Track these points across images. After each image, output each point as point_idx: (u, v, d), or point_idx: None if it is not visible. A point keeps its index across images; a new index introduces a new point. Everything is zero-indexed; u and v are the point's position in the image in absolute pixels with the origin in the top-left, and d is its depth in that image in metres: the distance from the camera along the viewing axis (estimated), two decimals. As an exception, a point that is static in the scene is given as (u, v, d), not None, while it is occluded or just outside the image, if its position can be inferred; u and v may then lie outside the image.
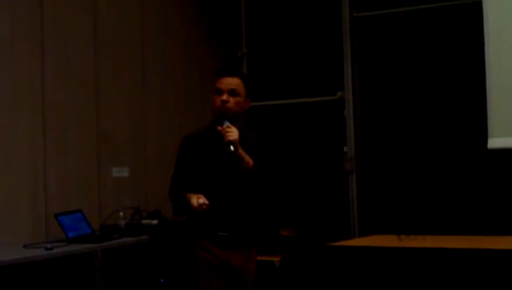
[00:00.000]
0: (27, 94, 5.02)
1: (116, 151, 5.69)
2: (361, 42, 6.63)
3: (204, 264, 3.69)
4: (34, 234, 4.95)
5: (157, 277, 5.26)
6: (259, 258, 3.95)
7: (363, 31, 6.62)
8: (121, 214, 5.35)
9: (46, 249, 4.47)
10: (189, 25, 6.51)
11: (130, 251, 5.07)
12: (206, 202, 3.55)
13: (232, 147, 3.55)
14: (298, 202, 6.84)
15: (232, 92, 3.70)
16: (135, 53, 5.94)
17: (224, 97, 3.68)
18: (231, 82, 3.72)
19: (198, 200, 3.55)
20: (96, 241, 4.85)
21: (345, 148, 6.63)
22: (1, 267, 4.12)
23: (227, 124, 3.62)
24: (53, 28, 5.20)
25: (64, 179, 5.23)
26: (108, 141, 5.62)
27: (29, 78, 5.04)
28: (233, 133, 3.57)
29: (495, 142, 5.43)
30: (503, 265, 4.29)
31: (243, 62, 7.17)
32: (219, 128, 3.63)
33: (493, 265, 4.32)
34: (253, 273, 3.88)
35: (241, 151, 3.59)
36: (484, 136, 5.48)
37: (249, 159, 3.61)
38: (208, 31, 6.73)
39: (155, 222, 5.32)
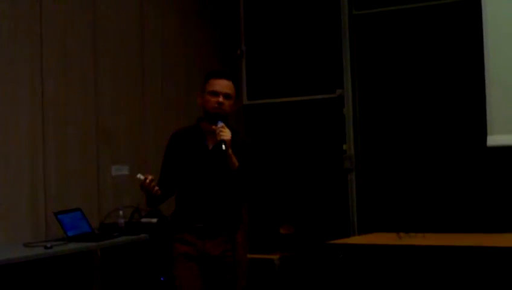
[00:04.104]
0: (26, 92, 5.02)
1: (115, 149, 5.68)
2: (360, 40, 6.62)
3: (180, 256, 3.88)
4: (33, 232, 4.95)
5: (157, 275, 5.26)
6: (258, 256, 4.00)
7: (362, 29, 6.61)
8: (121, 212, 5.36)
9: (46, 247, 4.48)
10: (188, 23, 6.50)
11: (129, 249, 5.08)
12: (149, 177, 3.73)
13: (224, 146, 3.72)
14: (297, 200, 6.84)
15: (227, 96, 3.89)
16: (135, 51, 5.93)
17: (221, 99, 3.86)
18: (226, 85, 3.90)
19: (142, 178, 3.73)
20: (96, 240, 4.86)
21: (344, 146, 6.62)
22: (1, 266, 4.12)
23: (222, 124, 3.80)
24: (52, 26, 5.19)
25: (64, 178, 5.23)
26: (108, 139, 5.62)
27: (28, 76, 5.04)
28: (226, 133, 3.76)
29: (494, 139, 5.44)
30: (503, 263, 4.29)
31: (242, 60, 7.17)
32: (213, 127, 3.81)
33: (493, 263, 4.32)
34: (245, 260, 3.99)
35: (230, 151, 3.76)
36: (483, 133, 5.48)
37: (235, 160, 3.78)
38: (207, 29, 6.72)
39: (154, 220, 5.32)
